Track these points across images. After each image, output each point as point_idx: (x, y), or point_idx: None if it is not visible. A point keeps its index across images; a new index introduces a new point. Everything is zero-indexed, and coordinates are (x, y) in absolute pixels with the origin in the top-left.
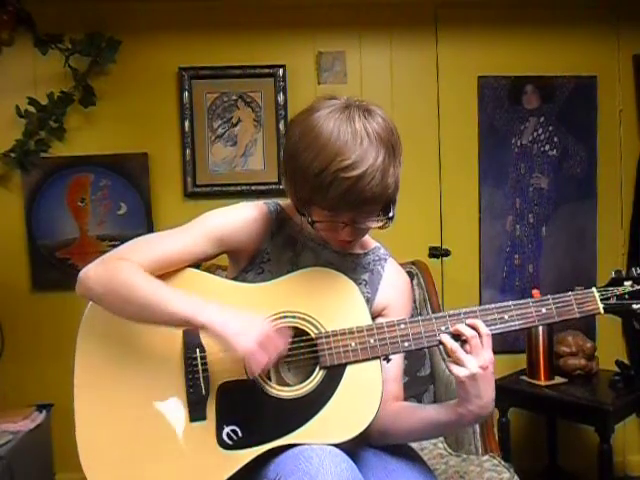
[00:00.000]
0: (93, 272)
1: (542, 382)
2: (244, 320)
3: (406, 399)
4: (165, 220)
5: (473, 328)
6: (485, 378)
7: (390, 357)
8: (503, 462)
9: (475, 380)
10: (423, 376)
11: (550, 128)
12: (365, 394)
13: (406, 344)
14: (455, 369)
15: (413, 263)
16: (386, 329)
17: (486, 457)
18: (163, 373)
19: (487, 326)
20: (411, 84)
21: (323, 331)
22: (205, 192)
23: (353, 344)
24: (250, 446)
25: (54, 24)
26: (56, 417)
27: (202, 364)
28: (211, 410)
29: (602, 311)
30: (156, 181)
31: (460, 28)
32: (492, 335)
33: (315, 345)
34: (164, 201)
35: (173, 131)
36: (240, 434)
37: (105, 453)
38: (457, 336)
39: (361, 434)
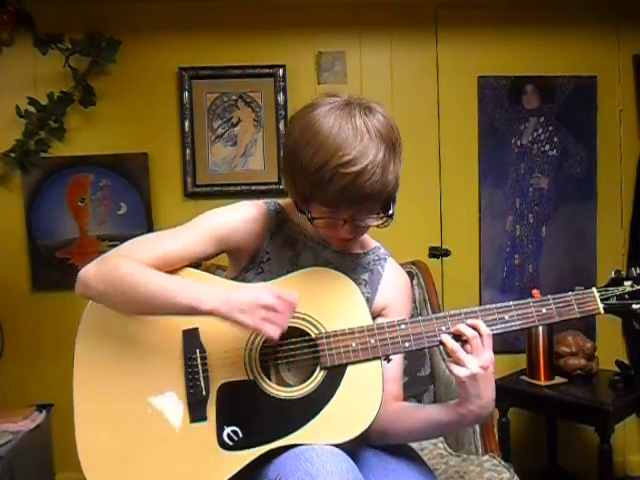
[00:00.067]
0: (93, 271)
1: (542, 382)
2: (245, 294)
3: (406, 399)
4: (165, 220)
5: (474, 328)
6: (485, 378)
7: (391, 357)
8: (503, 462)
9: (476, 380)
10: (423, 376)
11: (550, 128)
12: (366, 394)
13: (407, 344)
14: (456, 369)
15: (413, 263)
16: (387, 329)
17: (486, 457)
18: (163, 374)
19: (488, 326)
20: (411, 84)
21: (323, 331)
22: (205, 192)
23: (354, 344)
24: (251, 447)
25: (54, 24)
26: (56, 417)
27: (202, 364)
28: (211, 411)
29: (602, 311)
30: (156, 181)
31: (460, 28)
32: (493, 335)
33: (315, 345)
34: (164, 201)
35: (173, 131)
36: (241, 435)
37: (105, 454)
38: (458, 336)
39: (362, 434)
